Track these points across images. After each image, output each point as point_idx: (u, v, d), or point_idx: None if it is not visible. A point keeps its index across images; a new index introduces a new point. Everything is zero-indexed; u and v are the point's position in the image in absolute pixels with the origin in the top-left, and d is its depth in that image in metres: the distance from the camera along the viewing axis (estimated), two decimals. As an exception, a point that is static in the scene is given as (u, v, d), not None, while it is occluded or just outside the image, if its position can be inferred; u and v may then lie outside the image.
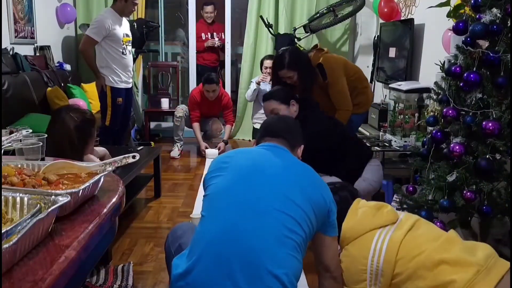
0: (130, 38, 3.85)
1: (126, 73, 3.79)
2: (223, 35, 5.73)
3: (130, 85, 3.91)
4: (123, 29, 3.74)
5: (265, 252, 1.29)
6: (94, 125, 2.13)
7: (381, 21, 4.50)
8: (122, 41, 3.70)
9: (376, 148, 3.24)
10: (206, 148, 4.73)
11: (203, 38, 5.70)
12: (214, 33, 5.72)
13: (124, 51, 3.73)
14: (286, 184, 1.40)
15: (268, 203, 1.35)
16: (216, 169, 1.51)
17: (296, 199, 1.37)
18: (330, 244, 1.51)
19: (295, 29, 5.24)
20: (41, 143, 1.62)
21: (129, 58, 3.83)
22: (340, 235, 1.57)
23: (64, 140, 1.91)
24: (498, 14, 1.89)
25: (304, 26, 5.10)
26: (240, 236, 1.31)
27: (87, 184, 1.19)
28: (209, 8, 5.67)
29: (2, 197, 1.04)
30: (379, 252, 1.46)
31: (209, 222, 1.37)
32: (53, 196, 1.05)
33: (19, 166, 1.34)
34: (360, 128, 4.01)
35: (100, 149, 2.35)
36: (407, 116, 3.36)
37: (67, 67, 4.85)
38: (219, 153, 4.72)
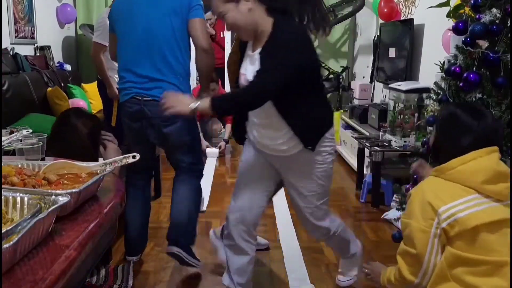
0: None
1: None
2: (224, 33, 5.71)
3: None
4: None
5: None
6: (102, 127, 2.22)
7: (380, 21, 4.50)
8: None
9: (376, 148, 3.24)
10: (208, 147, 4.74)
11: None
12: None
13: None
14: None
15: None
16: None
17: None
18: (198, 26, 2.07)
19: (295, 29, 5.24)
20: (41, 143, 1.62)
21: None
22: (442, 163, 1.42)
23: (78, 147, 1.94)
24: (498, 14, 1.89)
25: (304, 26, 5.09)
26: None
27: (87, 184, 1.19)
28: (208, 15, 5.64)
29: (2, 197, 1.04)
30: (450, 221, 1.32)
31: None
32: (53, 196, 1.05)
33: (19, 166, 1.35)
34: (359, 128, 4.02)
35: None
36: (407, 116, 3.36)
37: (67, 67, 4.85)
38: (219, 153, 4.73)
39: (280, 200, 3.50)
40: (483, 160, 1.37)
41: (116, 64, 3.67)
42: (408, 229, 1.40)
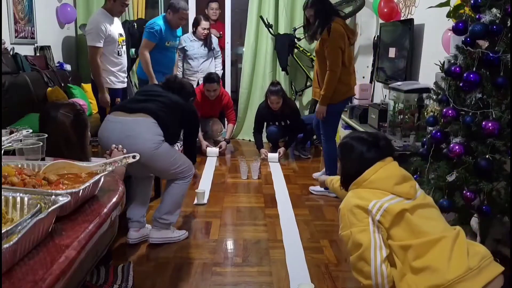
0: (124, 37, 3.84)
1: (121, 73, 3.80)
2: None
3: (125, 85, 3.92)
4: (116, 28, 3.70)
5: None
6: (85, 114, 2.07)
7: (381, 21, 4.50)
8: (118, 41, 3.68)
9: (376, 148, 3.24)
10: (207, 147, 4.75)
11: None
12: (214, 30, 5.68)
13: (119, 51, 3.73)
14: None
15: None
16: None
17: None
18: None
19: (295, 29, 5.24)
20: (41, 143, 1.62)
21: (124, 57, 3.82)
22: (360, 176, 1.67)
23: (61, 140, 1.89)
24: (498, 14, 1.89)
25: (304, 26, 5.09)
26: None
27: (87, 184, 1.19)
28: (214, 5, 5.61)
29: (3, 197, 1.04)
30: (377, 210, 1.56)
31: None
32: (53, 196, 1.05)
33: (19, 166, 1.35)
34: (359, 128, 4.02)
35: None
36: (406, 116, 3.36)
37: (67, 67, 4.85)
38: (219, 152, 4.73)
39: (283, 200, 3.50)
40: (389, 168, 1.66)
41: (110, 67, 3.69)
42: (351, 238, 1.58)
